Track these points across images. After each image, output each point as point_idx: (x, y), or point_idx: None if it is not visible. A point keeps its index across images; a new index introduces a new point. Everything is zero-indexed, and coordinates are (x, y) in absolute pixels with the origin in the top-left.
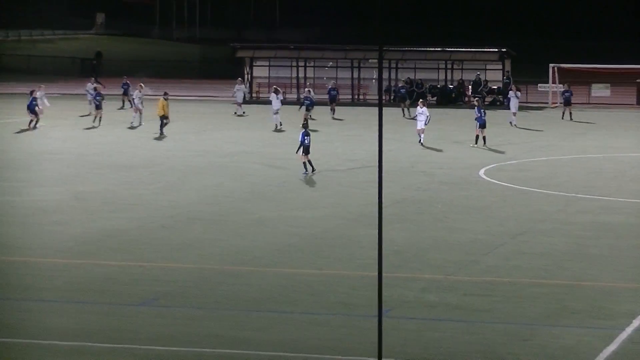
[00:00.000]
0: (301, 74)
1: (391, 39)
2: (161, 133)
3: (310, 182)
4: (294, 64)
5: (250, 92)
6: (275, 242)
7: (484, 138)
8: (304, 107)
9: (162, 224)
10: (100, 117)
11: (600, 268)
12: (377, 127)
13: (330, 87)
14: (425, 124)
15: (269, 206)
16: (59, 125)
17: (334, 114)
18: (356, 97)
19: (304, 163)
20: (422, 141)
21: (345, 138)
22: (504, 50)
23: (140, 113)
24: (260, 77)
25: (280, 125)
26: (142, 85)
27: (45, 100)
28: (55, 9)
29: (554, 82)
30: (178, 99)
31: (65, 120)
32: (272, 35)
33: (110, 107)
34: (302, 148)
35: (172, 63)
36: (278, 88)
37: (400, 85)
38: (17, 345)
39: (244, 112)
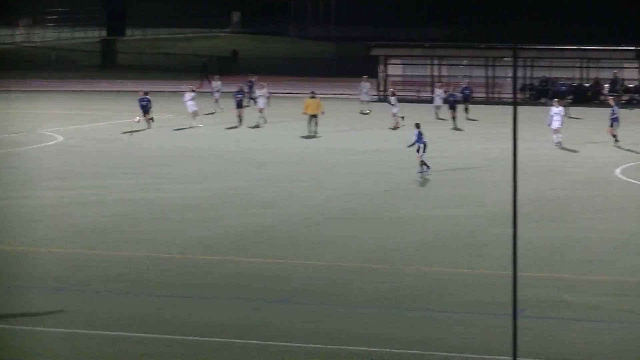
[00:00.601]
0: (435, 72)
1: (526, 37)
2: (311, 131)
3: (446, 180)
4: (428, 62)
5: (384, 90)
6: (411, 240)
7: (614, 136)
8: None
9: (300, 221)
10: (241, 116)
11: None
12: (511, 126)
13: (463, 86)
14: (561, 124)
15: (406, 204)
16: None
17: (467, 113)
18: (490, 95)
19: (421, 162)
20: (558, 141)
21: (480, 136)
22: None
23: (261, 111)
24: (394, 76)
25: (402, 119)
26: (265, 84)
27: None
28: (192, 8)
29: None
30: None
31: (205, 118)
32: (406, 34)
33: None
34: (420, 147)
35: (307, 61)
36: (394, 91)
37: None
38: (171, 341)
39: (369, 111)
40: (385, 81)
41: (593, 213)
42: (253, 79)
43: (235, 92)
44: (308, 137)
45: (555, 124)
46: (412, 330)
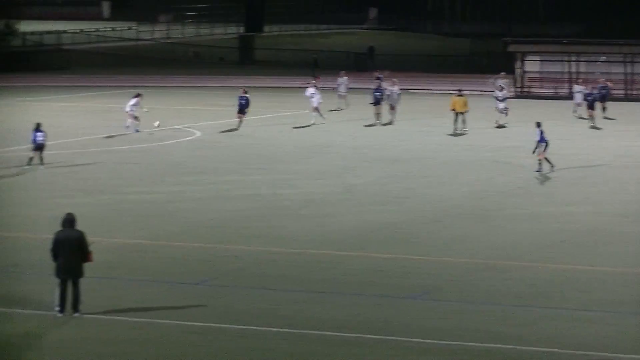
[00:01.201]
0: (572, 69)
1: None
2: (457, 129)
3: (579, 177)
4: (566, 58)
5: (522, 87)
6: (545, 237)
7: None
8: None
9: (433, 217)
10: (379, 114)
11: None
12: None
13: (601, 85)
14: None
15: (540, 201)
16: (335, 119)
17: (605, 112)
18: (629, 92)
19: (540, 161)
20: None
21: (618, 134)
22: None
23: (393, 109)
24: (531, 72)
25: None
26: (396, 80)
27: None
28: (329, 4)
29: None
30: (445, 93)
31: (331, 114)
32: (539, 30)
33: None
34: (542, 145)
35: (442, 58)
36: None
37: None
38: (292, 335)
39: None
40: (522, 77)
41: None
42: (381, 75)
43: (374, 89)
44: (454, 134)
45: None
46: (545, 328)
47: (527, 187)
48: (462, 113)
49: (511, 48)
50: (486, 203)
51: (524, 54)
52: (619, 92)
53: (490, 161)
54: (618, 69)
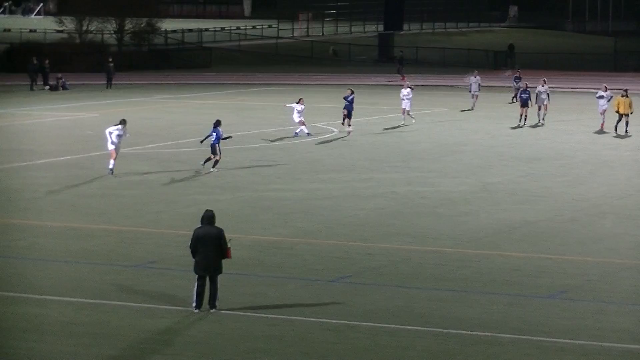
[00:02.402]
0: None
1: None
2: (620, 131)
3: None
4: None
5: None
6: None
7: None
8: None
9: (571, 217)
10: (526, 116)
11: None
12: None
13: None
14: None
15: None
16: (472, 116)
17: None
18: None
19: None
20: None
21: None
22: None
23: (545, 109)
24: None
25: None
26: (546, 79)
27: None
28: (468, 2)
29: None
30: (587, 91)
31: (479, 112)
32: None
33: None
34: None
35: (584, 56)
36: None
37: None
38: (425, 333)
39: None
40: None
41: None
42: (518, 73)
43: (522, 90)
44: (581, 132)
45: None
46: None
47: None
48: (625, 115)
49: None
50: (627, 202)
51: None
52: None
53: (631, 160)
54: None
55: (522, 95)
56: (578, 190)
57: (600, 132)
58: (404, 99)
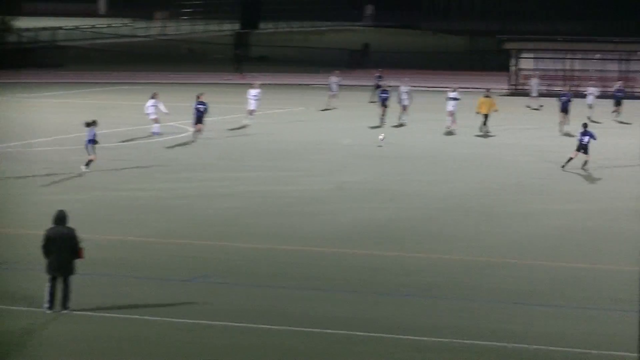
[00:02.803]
0: (567, 66)
1: None
2: (482, 131)
3: (579, 175)
4: (561, 56)
5: (516, 84)
6: (545, 235)
7: None
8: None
9: (430, 215)
10: (384, 115)
11: None
12: None
13: (617, 87)
14: None
15: (538, 199)
16: (331, 116)
17: (619, 115)
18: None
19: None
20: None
21: (613, 131)
22: None
23: (405, 109)
24: (526, 70)
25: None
26: (408, 79)
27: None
28: (325, 1)
29: None
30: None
31: (339, 112)
32: (536, 27)
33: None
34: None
35: (438, 55)
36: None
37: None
38: (290, 332)
39: (540, 106)
40: (517, 75)
41: None
42: (381, 73)
43: (381, 89)
44: (437, 130)
45: None
46: (544, 325)
47: (524, 184)
48: (487, 115)
49: (506, 45)
50: (486, 201)
51: (519, 51)
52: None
53: (486, 158)
54: (613, 66)
55: (382, 94)
56: (438, 188)
57: (449, 132)
58: (252, 99)
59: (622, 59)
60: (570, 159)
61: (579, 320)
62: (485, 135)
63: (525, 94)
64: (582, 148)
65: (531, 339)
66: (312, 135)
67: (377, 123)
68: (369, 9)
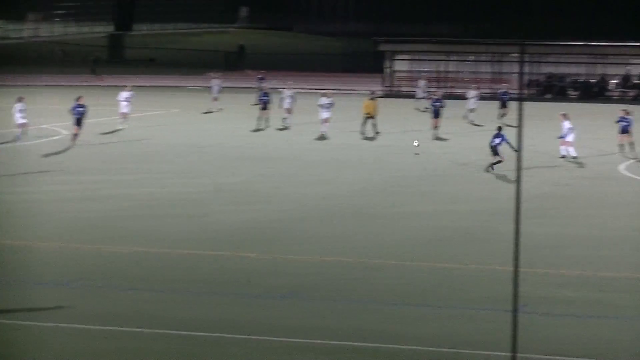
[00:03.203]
0: (441, 68)
1: (533, 33)
2: (364, 132)
3: (450, 176)
4: (435, 58)
5: (390, 85)
6: (419, 236)
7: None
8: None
9: (306, 216)
10: (267, 118)
11: None
12: (517, 122)
13: (502, 90)
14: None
15: (411, 200)
16: (203, 118)
17: (503, 118)
18: (497, 91)
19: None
20: (569, 154)
21: (488, 132)
22: None
23: (288, 112)
24: (400, 71)
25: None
26: (291, 82)
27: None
28: (201, 3)
29: None
30: (318, 92)
31: (220, 114)
32: (412, 29)
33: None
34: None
35: (314, 57)
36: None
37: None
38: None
39: (426, 108)
40: (391, 76)
41: (596, 209)
42: (262, 75)
43: (263, 92)
44: (316, 132)
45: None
46: (419, 326)
47: (401, 185)
48: (372, 117)
49: (381, 47)
50: (361, 201)
51: (394, 53)
52: (486, 91)
53: (364, 159)
54: (486, 68)
55: (263, 97)
56: (317, 190)
57: (322, 137)
58: (123, 102)
59: (495, 61)
60: (499, 161)
61: (453, 321)
62: (368, 137)
63: (400, 95)
64: (493, 150)
65: (405, 340)
66: (188, 138)
67: (259, 126)
68: (244, 11)
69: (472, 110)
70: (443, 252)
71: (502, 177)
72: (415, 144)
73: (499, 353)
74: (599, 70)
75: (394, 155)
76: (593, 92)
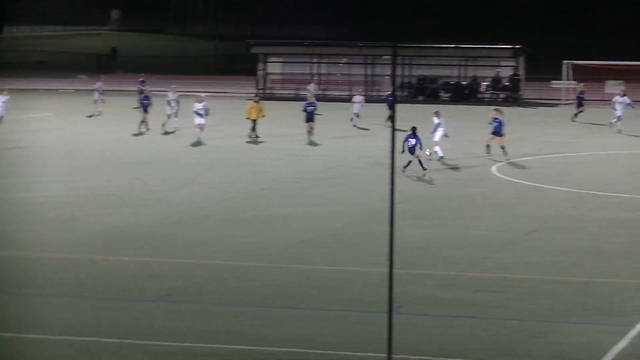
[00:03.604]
0: (315, 70)
1: (405, 35)
2: (251, 136)
3: (325, 178)
4: (308, 60)
5: (264, 88)
6: (290, 238)
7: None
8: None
9: (176, 219)
10: (145, 121)
11: (614, 265)
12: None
13: (388, 92)
14: (445, 136)
15: (284, 202)
16: (77, 121)
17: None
18: (369, 93)
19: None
20: (435, 153)
21: (360, 135)
22: (518, 47)
23: (176, 116)
24: (274, 74)
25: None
26: (175, 86)
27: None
28: (72, 5)
29: (567, 79)
30: (192, 95)
31: (81, 117)
32: (287, 32)
33: (124, 102)
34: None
35: (188, 59)
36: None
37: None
38: (30, 340)
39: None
40: (265, 79)
41: (470, 210)
42: (144, 79)
43: (143, 95)
44: (188, 135)
45: (437, 136)
46: (290, 328)
47: (271, 188)
48: (255, 120)
49: (254, 50)
50: (231, 204)
51: (267, 55)
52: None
53: (234, 163)
54: (359, 70)
55: (144, 101)
56: (183, 193)
57: (198, 142)
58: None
59: (367, 63)
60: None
61: (324, 322)
62: (249, 141)
63: (274, 98)
64: (409, 150)
65: (275, 341)
66: (64, 141)
67: (140, 129)
68: (115, 13)
69: (357, 116)
70: (313, 255)
71: (377, 180)
72: (427, 152)
73: (374, 354)
74: (471, 72)
75: (271, 159)
76: (465, 94)
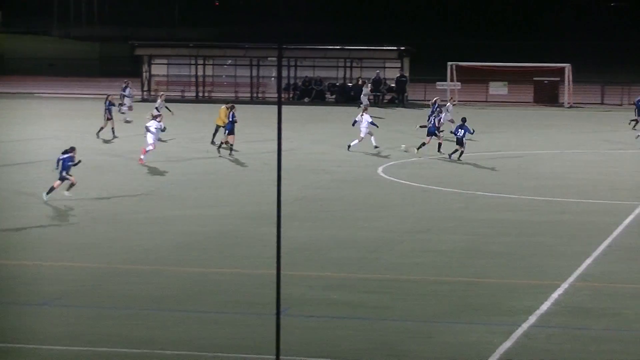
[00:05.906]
0: (200, 72)
1: (291, 37)
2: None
3: (211, 180)
4: (193, 62)
5: (149, 90)
6: (176, 240)
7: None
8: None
9: (66, 221)
10: (113, 127)
11: (501, 265)
12: (276, 126)
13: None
14: (367, 133)
15: (170, 205)
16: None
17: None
18: (255, 95)
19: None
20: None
21: (245, 137)
22: (403, 48)
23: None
24: (159, 76)
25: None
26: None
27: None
28: None
29: (452, 80)
30: (76, 97)
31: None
32: (171, 34)
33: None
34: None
35: (72, 61)
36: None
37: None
38: None
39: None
40: (149, 81)
41: (357, 212)
42: (128, 83)
43: (108, 103)
44: (71, 137)
45: (363, 132)
46: (178, 331)
47: (157, 190)
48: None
49: (138, 51)
50: (116, 207)
51: (151, 57)
52: (245, 95)
53: (118, 165)
54: (245, 72)
55: (109, 107)
56: (77, 196)
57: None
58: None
59: (253, 65)
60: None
61: (214, 325)
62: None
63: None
64: (457, 141)
65: (163, 344)
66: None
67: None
68: None
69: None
70: (200, 257)
71: (264, 182)
72: (403, 147)
73: (263, 356)
74: (357, 74)
75: (156, 161)
76: (350, 96)
